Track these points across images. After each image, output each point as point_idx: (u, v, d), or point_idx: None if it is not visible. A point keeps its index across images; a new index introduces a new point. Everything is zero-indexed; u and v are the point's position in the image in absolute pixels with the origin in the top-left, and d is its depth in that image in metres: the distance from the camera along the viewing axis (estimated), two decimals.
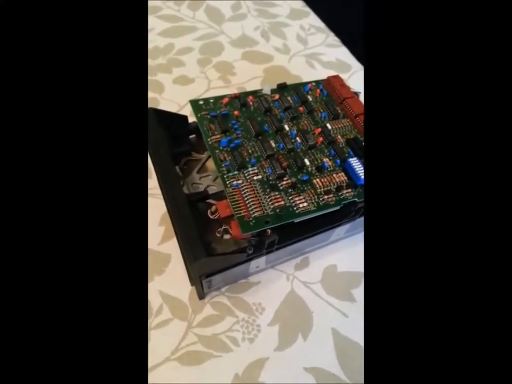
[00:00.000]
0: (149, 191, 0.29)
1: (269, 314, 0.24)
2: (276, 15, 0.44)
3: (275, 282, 0.25)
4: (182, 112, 0.33)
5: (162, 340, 0.23)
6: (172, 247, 0.26)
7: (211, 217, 0.23)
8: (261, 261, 0.24)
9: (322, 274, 0.26)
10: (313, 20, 0.44)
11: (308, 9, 0.45)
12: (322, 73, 0.38)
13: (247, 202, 0.21)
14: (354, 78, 0.38)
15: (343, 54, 0.40)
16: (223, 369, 0.22)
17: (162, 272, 0.25)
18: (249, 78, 0.37)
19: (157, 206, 0.28)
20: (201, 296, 0.24)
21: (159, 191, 0.26)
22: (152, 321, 0.23)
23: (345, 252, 0.27)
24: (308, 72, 0.38)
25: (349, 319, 0.24)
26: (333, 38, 0.42)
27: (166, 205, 0.24)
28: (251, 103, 0.26)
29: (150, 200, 0.28)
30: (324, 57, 0.40)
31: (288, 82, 0.28)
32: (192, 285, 0.23)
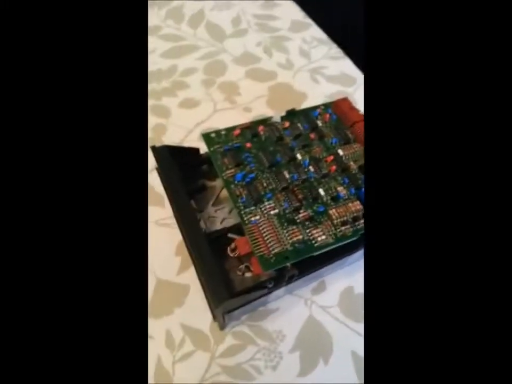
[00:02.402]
0: (163, 221, 0.29)
1: (289, 341, 0.24)
2: (276, 29, 0.44)
3: (293, 308, 0.26)
4: (190, 137, 0.34)
5: (187, 373, 0.23)
6: (190, 277, 0.26)
7: (231, 255, 0.23)
8: (280, 292, 0.24)
9: (339, 297, 0.26)
10: (314, 31, 0.44)
11: (308, 20, 0.45)
12: (328, 88, 0.38)
13: (266, 239, 0.21)
14: (360, 92, 0.38)
15: (347, 66, 0.40)
16: None
17: (182, 304, 0.26)
18: (255, 98, 0.37)
19: (171, 236, 0.28)
20: (222, 327, 0.24)
21: (173, 220, 0.27)
22: (175, 355, 0.24)
23: (361, 274, 0.27)
24: (312, 88, 0.38)
25: None
26: (335, 50, 0.42)
27: (184, 240, 0.25)
28: (262, 132, 0.27)
29: (164, 230, 0.28)
30: (328, 71, 0.40)
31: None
32: (214, 320, 0.23)
